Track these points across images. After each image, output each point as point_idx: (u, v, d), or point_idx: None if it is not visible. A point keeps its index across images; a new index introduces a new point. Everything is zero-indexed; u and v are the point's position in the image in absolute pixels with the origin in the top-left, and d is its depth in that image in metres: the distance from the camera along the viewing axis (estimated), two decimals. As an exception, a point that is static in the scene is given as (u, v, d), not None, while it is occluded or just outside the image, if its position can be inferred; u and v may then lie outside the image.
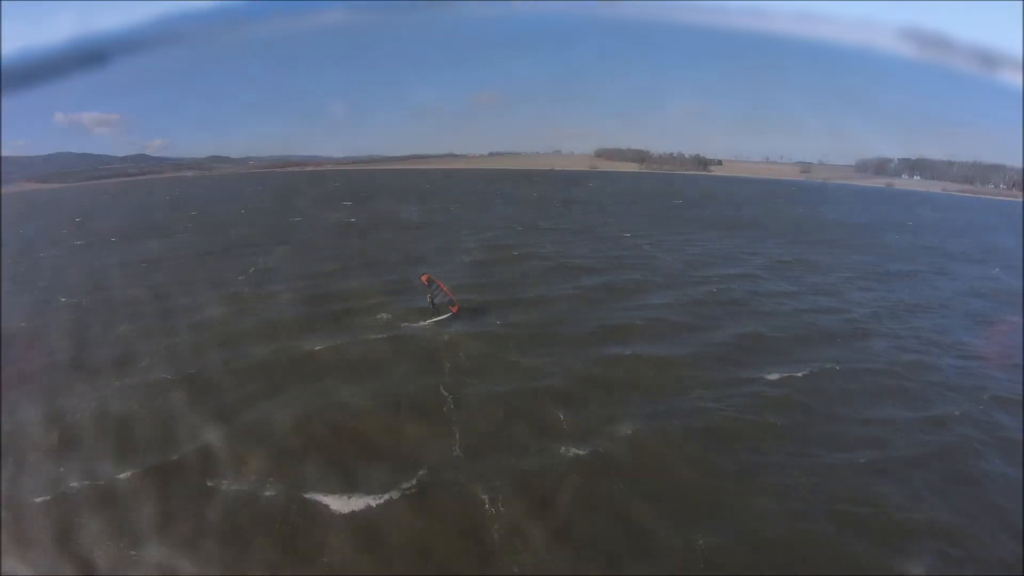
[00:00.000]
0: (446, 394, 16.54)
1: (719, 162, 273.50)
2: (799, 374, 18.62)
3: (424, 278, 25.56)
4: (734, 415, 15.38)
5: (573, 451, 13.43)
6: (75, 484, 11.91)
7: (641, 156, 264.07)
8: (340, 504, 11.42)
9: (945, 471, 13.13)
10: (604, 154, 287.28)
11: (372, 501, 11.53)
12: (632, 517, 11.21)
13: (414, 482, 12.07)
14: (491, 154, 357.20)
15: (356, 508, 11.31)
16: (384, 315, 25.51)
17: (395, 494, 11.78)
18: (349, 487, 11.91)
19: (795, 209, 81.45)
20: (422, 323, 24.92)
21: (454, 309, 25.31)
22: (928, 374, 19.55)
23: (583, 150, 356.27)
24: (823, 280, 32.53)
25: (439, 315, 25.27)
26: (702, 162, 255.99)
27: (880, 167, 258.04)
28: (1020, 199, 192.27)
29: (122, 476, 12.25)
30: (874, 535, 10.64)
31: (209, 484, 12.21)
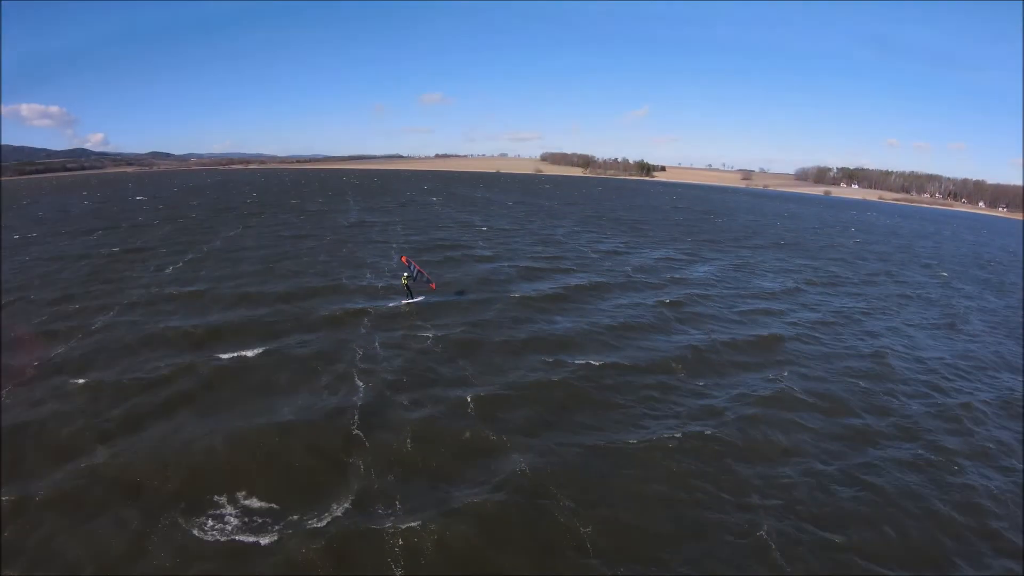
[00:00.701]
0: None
1: (662, 168, 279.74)
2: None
3: (404, 259, 26.33)
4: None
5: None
6: None
7: (586, 161, 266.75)
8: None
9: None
10: (549, 158, 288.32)
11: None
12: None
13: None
14: (437, 156, 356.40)
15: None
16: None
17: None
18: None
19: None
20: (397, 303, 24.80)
21: (432, 286, 26.01)
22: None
23: (530, 154, 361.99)
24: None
25: (413, 296, 25.68)
26: (645, 167, 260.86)
27: (820, 176, 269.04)
28: (956, 208, 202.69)
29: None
30: None
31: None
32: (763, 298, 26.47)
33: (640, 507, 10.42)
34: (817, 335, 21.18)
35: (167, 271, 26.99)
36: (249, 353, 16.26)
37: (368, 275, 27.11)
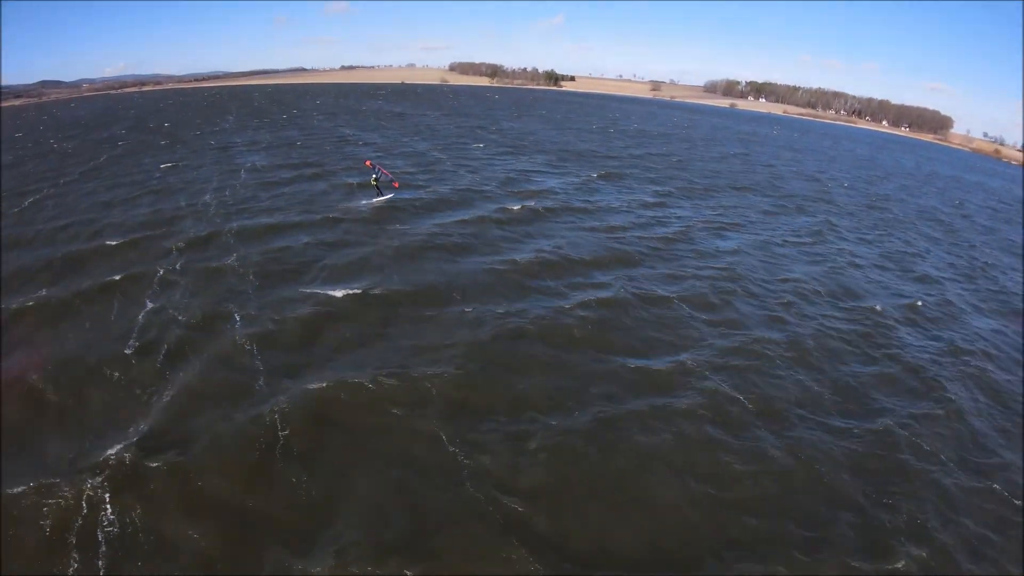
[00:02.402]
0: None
1: (572, 78, 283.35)
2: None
3: (367, 163, 28.99)
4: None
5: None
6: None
7: (493, 71, 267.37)
8: None
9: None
10: (458, 68, 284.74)
11: None
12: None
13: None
14: (343, 68, 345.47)
15: None
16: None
17: None
18: None
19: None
20: (368, 202, 28.00)
21: (396, 185, 28.09)
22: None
23: (441, 64, 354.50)
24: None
25: (382, 195, 28.37)
26: (553, 77, 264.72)
27: (728, 89, 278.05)
28: (859, 125, 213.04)
29: None
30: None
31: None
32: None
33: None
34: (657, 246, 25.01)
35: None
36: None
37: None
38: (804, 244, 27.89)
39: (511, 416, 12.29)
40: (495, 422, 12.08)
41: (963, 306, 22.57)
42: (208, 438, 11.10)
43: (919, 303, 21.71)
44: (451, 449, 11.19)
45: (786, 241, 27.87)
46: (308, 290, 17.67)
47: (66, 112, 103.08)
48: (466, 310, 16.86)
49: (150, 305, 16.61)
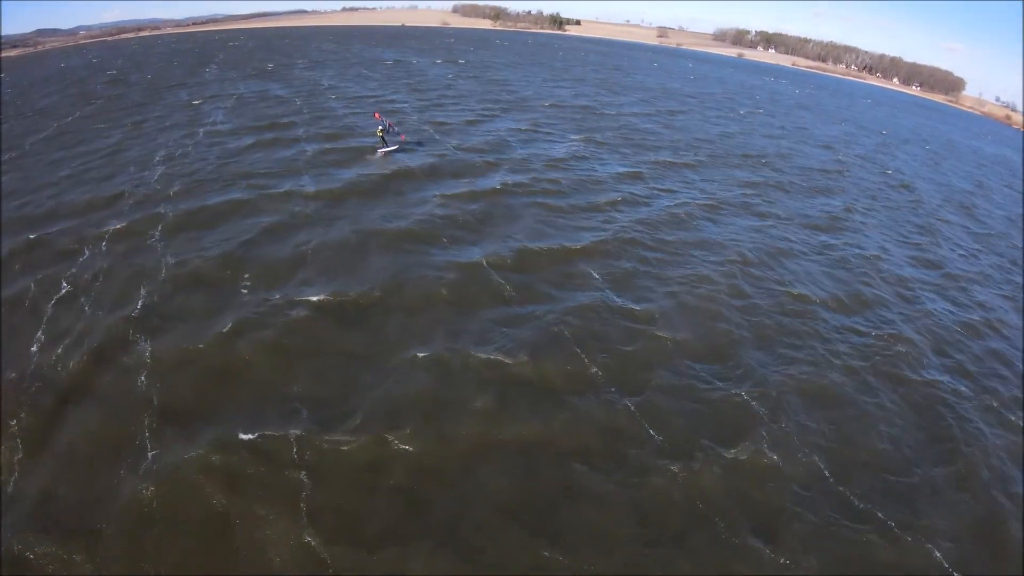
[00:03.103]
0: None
1: (577, 22, 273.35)
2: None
3: (376, 115, 30.25)
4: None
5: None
6: None
7: (496, 13, 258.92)
8: None
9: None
10: (461, 10, 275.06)
11: None
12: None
13: None
14: (344, 9, 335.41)
15: None
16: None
17: None
18: None
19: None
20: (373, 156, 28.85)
21: (402, 137, 29.92)
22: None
23: (442, 6, 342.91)
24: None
25: (388, 146, 29.28)
26: (557, 21, 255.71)
27: (738, 38, 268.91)
28: (869, 81, 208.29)
29: None
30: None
31: None
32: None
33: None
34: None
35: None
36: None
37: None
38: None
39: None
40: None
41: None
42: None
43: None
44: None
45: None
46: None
47: (54, 63, 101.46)
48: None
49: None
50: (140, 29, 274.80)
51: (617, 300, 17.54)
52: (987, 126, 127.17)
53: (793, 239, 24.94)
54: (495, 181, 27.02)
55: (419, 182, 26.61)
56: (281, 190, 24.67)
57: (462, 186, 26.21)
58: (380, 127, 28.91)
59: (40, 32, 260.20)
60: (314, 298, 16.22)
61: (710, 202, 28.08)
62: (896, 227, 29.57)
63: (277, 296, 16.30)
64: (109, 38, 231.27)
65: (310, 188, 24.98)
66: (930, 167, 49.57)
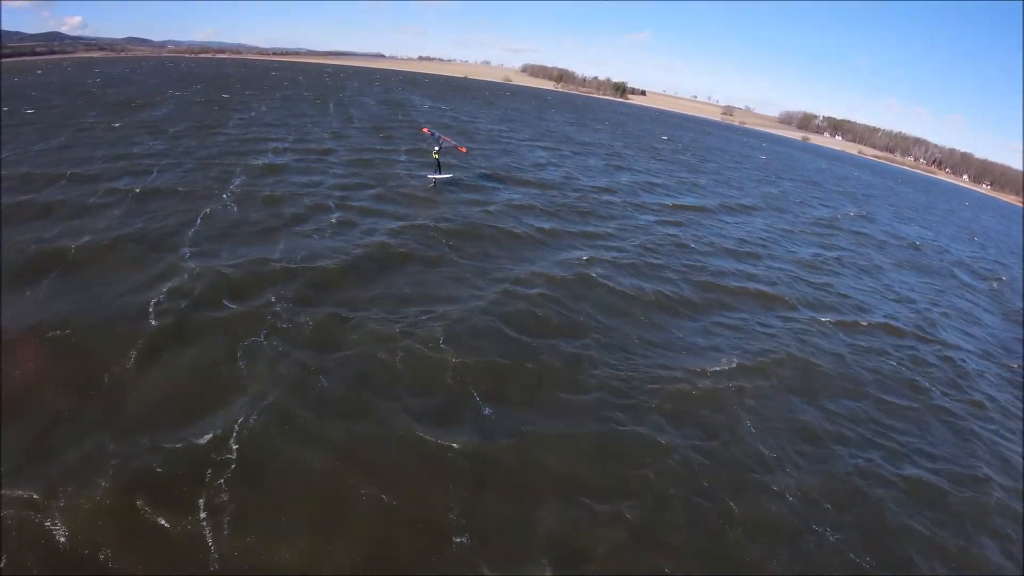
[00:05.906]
0: None
1: (643, 92, 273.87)
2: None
3: (425, 130, 26.50)
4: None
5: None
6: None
7: (561, 75, 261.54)
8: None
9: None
10: (528, 70, 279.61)
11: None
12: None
13: None
14: (420, 58, 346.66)
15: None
16: None
17: None
18: None
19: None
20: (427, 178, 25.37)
21: (463, 150, 26.94)
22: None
23: (515, 65, 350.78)
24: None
25: (440, 174, 25.13)
26: (621, 88, 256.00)
27: (804, 122, 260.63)
28: (938, 176, 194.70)
29: None
30: None
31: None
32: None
33: None
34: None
35: None
36: None
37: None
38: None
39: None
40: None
41: None
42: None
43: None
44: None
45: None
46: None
47: (99, 71, 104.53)
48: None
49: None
50: (221, 51, 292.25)
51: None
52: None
53: None
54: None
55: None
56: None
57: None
58: (436, 147, 24.37)
59: (131, 40, 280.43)
60: None
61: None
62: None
63: None
64: (189, 55, 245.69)
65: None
66: None
